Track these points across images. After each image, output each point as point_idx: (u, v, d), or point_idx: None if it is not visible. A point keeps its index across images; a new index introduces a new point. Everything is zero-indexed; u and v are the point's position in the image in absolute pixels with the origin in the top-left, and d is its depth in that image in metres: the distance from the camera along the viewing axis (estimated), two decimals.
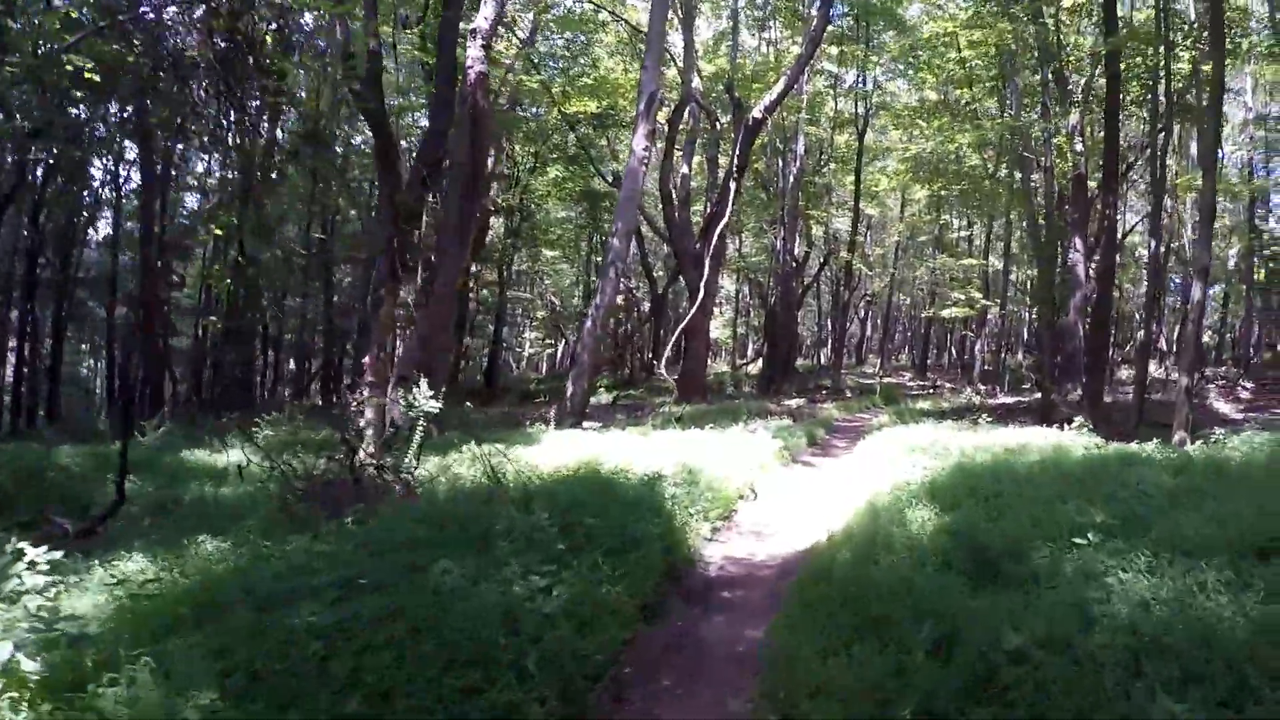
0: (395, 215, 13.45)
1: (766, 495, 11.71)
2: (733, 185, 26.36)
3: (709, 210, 27.47)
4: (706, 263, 26.29)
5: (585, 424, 17.91)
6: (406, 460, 9.79)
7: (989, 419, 17.11)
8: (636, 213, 17.71)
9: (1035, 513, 7.85)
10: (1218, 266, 33.75)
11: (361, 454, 9.78)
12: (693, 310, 24.71)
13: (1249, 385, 27.75)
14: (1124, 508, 7.84)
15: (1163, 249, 35.18)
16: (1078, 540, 6.94)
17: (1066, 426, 16.02)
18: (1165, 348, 37.13)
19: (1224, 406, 24.13)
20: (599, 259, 45.77)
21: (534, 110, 36.73)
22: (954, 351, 54.00)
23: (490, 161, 36.47)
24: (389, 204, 13.68)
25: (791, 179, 33.44)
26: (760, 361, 40.97)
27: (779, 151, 35.67)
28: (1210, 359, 32.96)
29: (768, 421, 17.41)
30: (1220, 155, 32.33)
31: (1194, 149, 31.71)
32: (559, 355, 51.84)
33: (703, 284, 26.30)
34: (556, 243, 47.11)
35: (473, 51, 13.85)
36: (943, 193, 35.30)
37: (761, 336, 43.64)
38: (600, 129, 36.20)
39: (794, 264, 36.61)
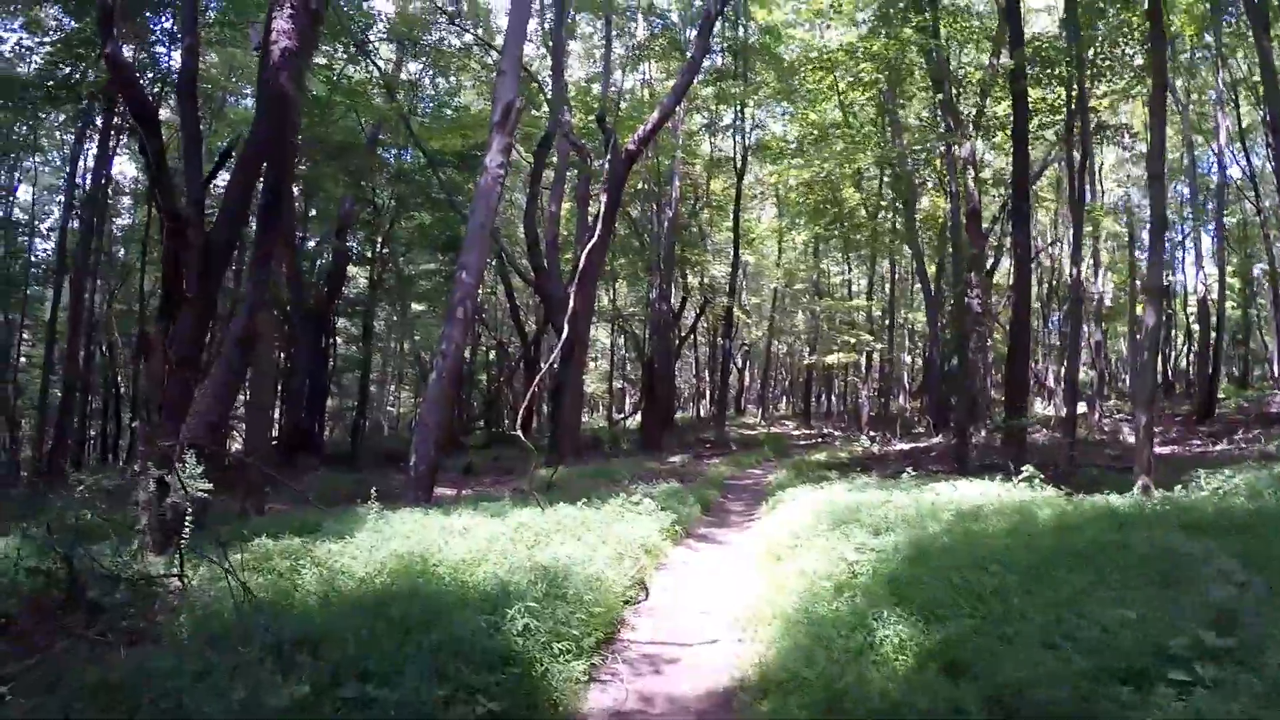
0: (169, 229, 10.18)
1: (660, 593, 8.74)
2: (605, 224, 23.67)
3: (580, 253, 24.65)
4: (576, 306, 23.43)
5: (437, 493, 14.70)
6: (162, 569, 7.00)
7: (912, 472, 14.54)
8: (489, 243, 14.65)
9: (1070, 622, 5.17)
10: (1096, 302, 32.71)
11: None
12: (559, 361, 21.78)
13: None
14: (1198, 600, 5.23)
15: (1046, 285, 34.11)
16: (1175, 675, 4.31)
17: (993, 476, 13.66)
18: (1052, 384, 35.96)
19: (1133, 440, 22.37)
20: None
21: (395, 152, 33.53)
22: (834, 400, 52.38)
23: (350, 203, 33.36)
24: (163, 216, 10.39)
25: (666, 223, 31.01)
26: (639, 415, 38.06)
27: (653, 195, 33.29)
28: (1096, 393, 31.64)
29: (652, 485, 14.47)
30: (1098, 193, 31.46)
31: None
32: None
33: (573, 332, 23.39)
34: (424, 295, 43.63)
35: (279, 23, 10.70)
36: (823, 232, 33.23)
37: (639, 390, 40.78)
38: (465, 171, 33.21)
39: (670, 313, 34.13)
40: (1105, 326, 35.72)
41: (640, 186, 34.30)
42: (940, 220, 26.53)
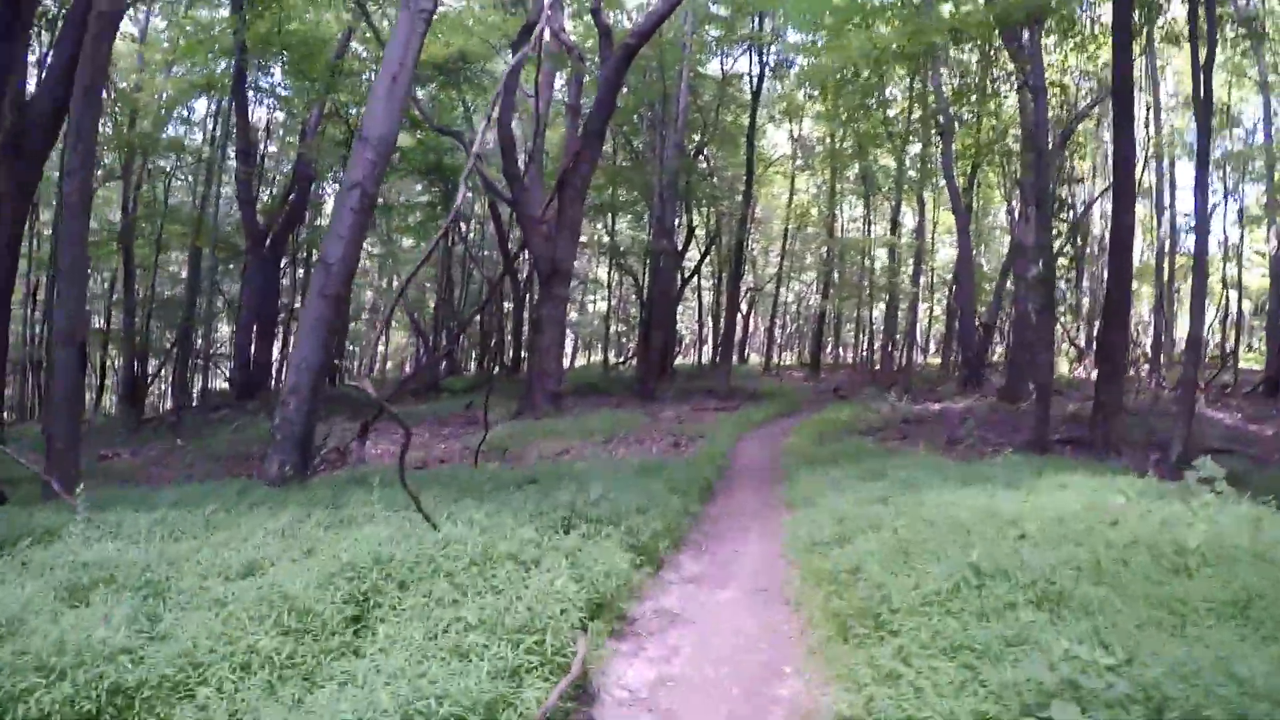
0: None
1: None
2: (594, 129, 18.76)
3: (565, 164, 19.76)
4: (555, 226, 18.77)
5: (316, 468, 10.14)
6: None
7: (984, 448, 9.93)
8: (402, 102, 9.73)
9: None
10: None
11: None
12: (539, 293, 17.04)
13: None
14: None
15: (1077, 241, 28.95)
16: None
17: (1078, 454, 9.15)
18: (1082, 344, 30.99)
19: (1219, 416, 17.66)
20: (459, 248, 37.51)
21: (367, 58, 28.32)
22: (842, 351, 47.47)
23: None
24: None
25: (671, 145, 25.94)
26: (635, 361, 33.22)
27: (656, 122, 28.17)
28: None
29: (631, 451, 9.83)
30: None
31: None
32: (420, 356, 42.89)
33: (551, 258, 18.61)
34: (411, 229, 38.63)
35: None
36: (858, 128, 27.57)
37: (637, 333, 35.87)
38: (449, 84, 28.10)
39: (673, 248, 29.20)
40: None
41: (644, 112, 29.25)
42: (987, 142, 21.36)
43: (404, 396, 26.36)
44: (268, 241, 27.96)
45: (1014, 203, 31.75)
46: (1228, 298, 30.33)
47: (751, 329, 50.00)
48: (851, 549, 6.11)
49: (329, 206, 32.84)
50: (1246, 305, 34.27)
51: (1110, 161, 18.39)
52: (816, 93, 25.22)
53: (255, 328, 28.07)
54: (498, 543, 5.25)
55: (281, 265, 31.38)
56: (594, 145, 18.96)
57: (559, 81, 24.14)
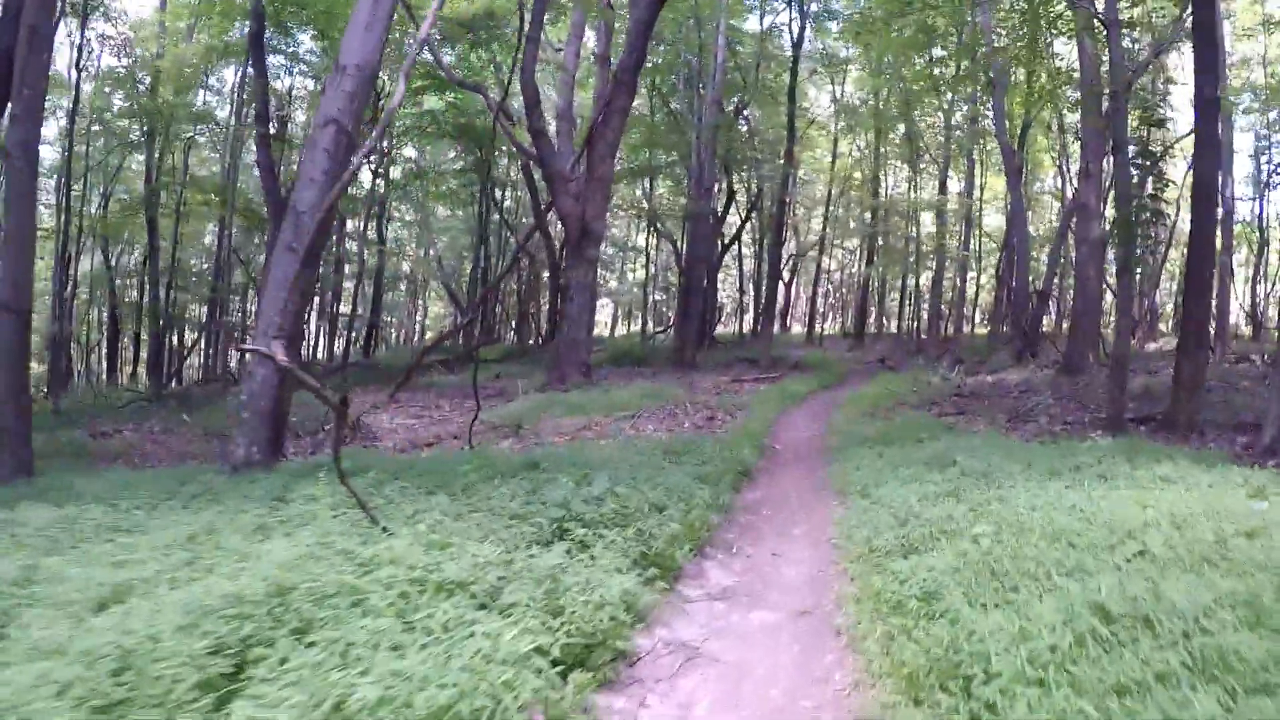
0: None
1: None
2: (626, 78, 17.23)
3: (594, 117, 18.26)
4: (584, 184, 17.40)
5: (289, 452, 8.93)
6: None
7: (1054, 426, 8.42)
8: (386, 25, 8.20)
9: None
10: None
11: None
12: (568, 257, 15.64)
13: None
14: None
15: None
16: None
17: (1155, 436, 7.60)
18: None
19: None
20: (496, 216, 36.14)
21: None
22: (885, 321, 45.52)
23: None
24: None
25: (710, 101, 24.29)
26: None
27: (693, 80, 26.48)
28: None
29: (654, 423, 8.45)
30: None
31: None
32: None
33: (581, 217, 17.19)
34: (446, 196, 37.31)
35: None
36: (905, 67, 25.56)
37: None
38: (477, 43, 26.67)
39: (713, 212, 27.59)
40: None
41: (682, 69, 27.56)
42: (1042, 90, 19.28)
43: (432, 366, 25.22)
44: None
45: (1069, 161, 29.80)
46: None
47: (794, 297, 48.22)
48: (921, 563, 4.65)
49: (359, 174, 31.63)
50: None
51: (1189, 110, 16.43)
52: (860, 47, 23.43)
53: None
54: (444, 565, 3.86)
55: None
56: (625, 95, 17.41)
57: (590, 35, 22.54)
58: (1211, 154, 11.07)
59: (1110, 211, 17.15)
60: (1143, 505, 5.28)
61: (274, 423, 8.17)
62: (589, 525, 5.10)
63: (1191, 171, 12.40)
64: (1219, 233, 21.71)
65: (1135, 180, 10.64)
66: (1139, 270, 13.61)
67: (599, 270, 44.05)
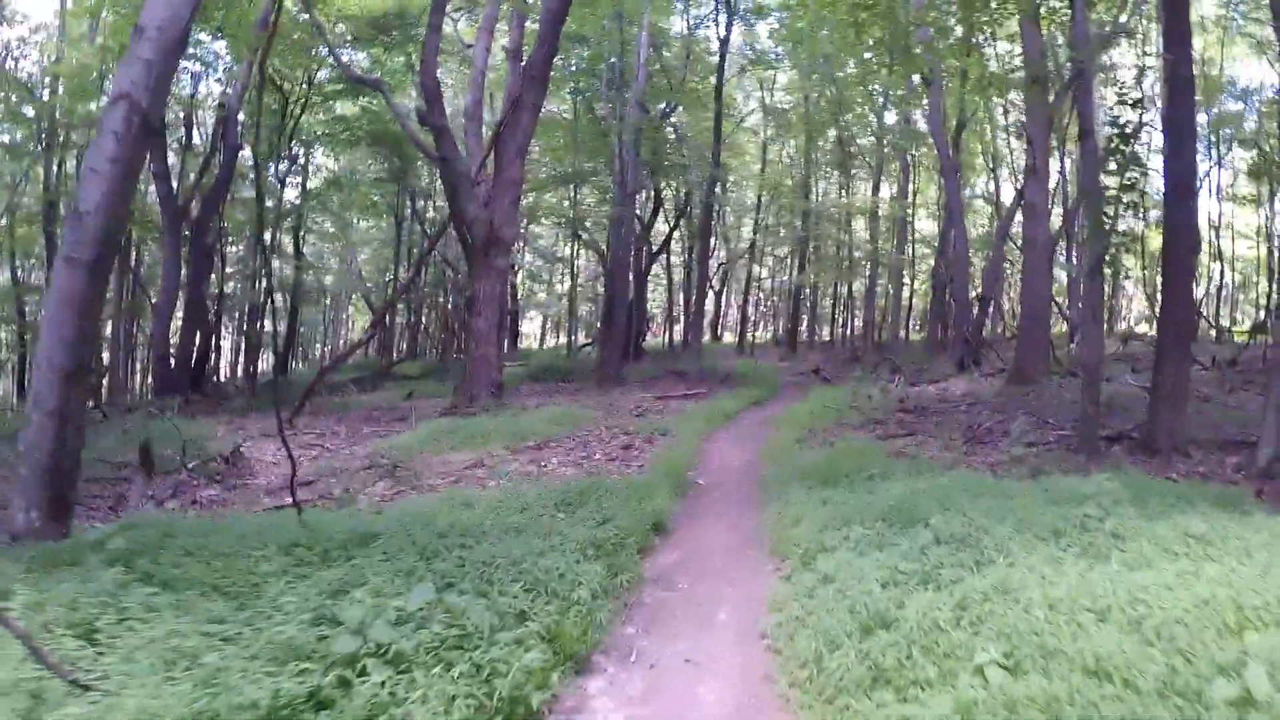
0: None
1: None
2: (536, 71, 15.46)
3: (503, 113, 16.42)
4: (493, 186, 15.62)
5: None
6: None
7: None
8: (189, 9, 6.32)
9: None
10: None
11: None
12: (470, 266, 13.79)
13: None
14: None
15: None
16: None
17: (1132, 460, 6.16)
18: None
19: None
20: (418, 227, 34.06)
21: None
22: (818, 329, 44.27)
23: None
24: None
25: (632, 101, 22.62)
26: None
27: (615, 82, 24.80)
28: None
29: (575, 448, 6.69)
30: None
31: None
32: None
33: (487, 224, 15.35)
34: (366, 207, 35.29)
35: None
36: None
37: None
38: (390, 45, 24.67)
39: (637, 220, 25.90)
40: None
41: (603, 71, 25.85)
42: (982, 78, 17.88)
43: (343, 386, 23.09)
44: (190, 220, 24.20)
45: (1010, 162, 28.77)
46: None
47: (725, 306, 46.80)
48: (908, 714, 2.94)
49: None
50: None
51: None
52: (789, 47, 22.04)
53: (183, 318, 24.31)
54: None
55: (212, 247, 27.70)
56: (536, 90, 15.60)
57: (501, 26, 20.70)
58: (1187, 135, 9.68)
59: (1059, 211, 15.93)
60: (1204, 600, 3.64)
61: (56, 480, 6.18)
62: (397, 662, 3.28)
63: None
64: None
65: (1114, 167, 9.00)
66: (1109, 270, 12.15)
67: (528, 283, 42.32)
